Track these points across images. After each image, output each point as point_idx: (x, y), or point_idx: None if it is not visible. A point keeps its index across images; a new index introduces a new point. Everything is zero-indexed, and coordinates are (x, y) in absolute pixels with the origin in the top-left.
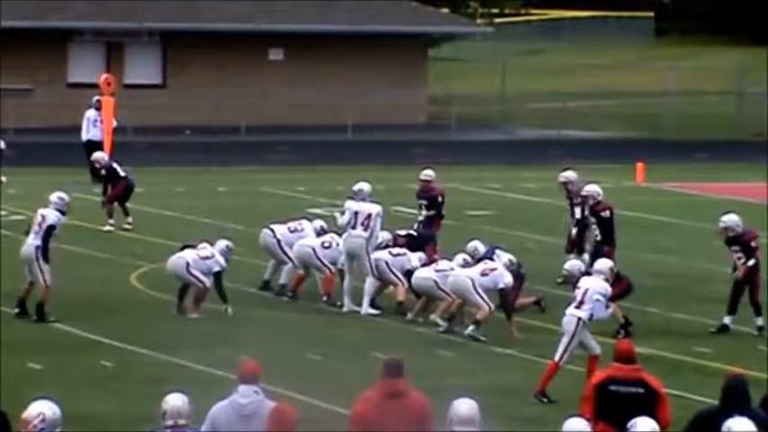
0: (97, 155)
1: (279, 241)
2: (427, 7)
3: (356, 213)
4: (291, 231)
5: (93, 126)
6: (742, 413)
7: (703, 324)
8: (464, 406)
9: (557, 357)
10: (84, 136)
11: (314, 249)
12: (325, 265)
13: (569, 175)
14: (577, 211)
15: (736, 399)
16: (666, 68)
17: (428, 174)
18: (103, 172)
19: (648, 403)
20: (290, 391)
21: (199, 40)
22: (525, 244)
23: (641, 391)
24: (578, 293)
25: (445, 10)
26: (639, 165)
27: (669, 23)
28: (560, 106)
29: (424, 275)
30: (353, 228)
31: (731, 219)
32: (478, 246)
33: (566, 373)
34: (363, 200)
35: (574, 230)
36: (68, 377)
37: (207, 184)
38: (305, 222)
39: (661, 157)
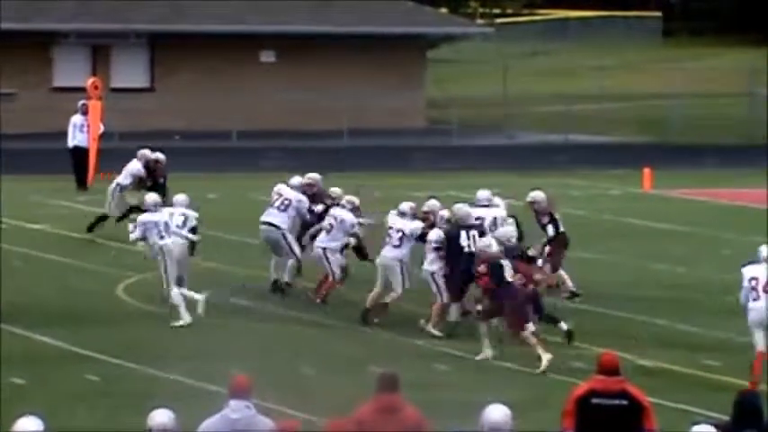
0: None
1: (284, 235)
2: (425, 7)
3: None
4: (282, 210)
5: (80, 131)
6: (754, 429)
7: (713, 336)
8: (496, 412)
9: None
10: (71, 142)
11: (325, 251)
12: (332, 271)
13: (537, 195)
14: (550, 229)
15: (748, 414)
16: (675, 70)
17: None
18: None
19: (633, 416)
20: (283, 405)
21: (188, 41)
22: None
23: (625, 403)
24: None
25: (444, 10)
26: (646, 170)
27: (677, 23)
28: (565, 109)
29: (391, 255)
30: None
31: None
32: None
33: (557, 383)
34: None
35: (547, 248)
36: (53, 392)
37: (197, 191)
38: (284, 189)
39: (669, 162)
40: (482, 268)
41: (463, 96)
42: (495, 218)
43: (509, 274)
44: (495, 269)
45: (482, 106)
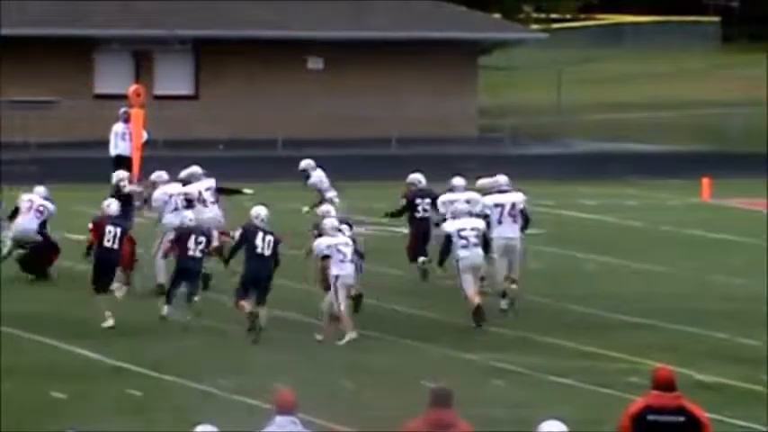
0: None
1: None
2: (476, 12)
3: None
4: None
5: (122, 140)
6: None
7: None
8: (552, 428)
9: None
10: (113, 151)
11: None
12: None
13: (415, 177)
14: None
15: None
16: (734, 77)
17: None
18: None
19: None
20: (330, 422)
21: (233, 47)
22: (581, 265)
23: (682, 419)
24: None
25: (496, 15)
26: (705, 180)
27: (736, 29)
28: (620, 117)
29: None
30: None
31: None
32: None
33: (614, 399)
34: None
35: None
36: (94, 406)
37: (240, 201)
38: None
39: (728, 171)
40: (92, 226)
41: (516, 104)
42: (514, 203)
43: (108, 239)
44: (101, 230)
45: (535, 114)
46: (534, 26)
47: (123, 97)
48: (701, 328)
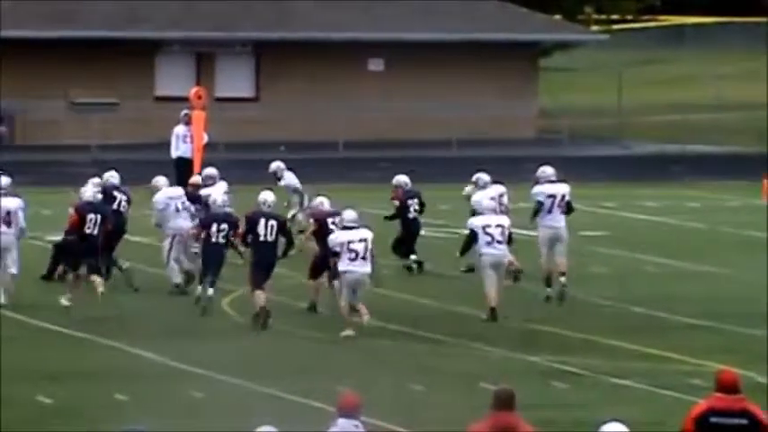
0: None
1: None
2: (537, 14)
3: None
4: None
5: (183, 142)
6: None
7: None
8: (613, 430)
9: None
10: (174, 153)
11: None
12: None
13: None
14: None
15: None
16: None
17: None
18: None
19: None
20: (392, 424)
21: (294, 49)
22: (642, 267)
23: (745, 422)
24: None
25: (557, 16)
26: (766, 181)
27: None
28: (681, 119)
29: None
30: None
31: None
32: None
33: (675, 401)
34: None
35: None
36: (156, 408)
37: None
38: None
39: None
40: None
41: (576, 106)
42: (564, 194)
43: (88, 226)
44: (82, 216)
45: (595, 116)
46: (595, 27)
47: (184, 99)
48: (762, 330)
